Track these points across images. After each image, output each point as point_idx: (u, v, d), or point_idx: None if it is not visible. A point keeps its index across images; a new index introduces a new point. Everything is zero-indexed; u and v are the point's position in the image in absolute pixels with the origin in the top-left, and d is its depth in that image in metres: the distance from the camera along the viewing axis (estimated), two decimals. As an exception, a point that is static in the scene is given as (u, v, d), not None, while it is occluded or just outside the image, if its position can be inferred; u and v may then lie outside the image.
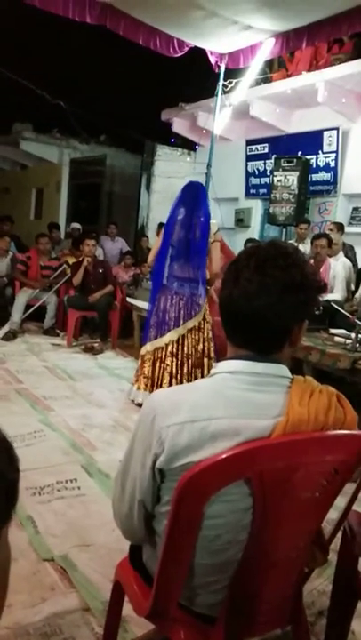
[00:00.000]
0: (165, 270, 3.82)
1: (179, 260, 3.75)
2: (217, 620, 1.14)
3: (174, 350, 3.70)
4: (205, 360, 3.77)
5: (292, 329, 1.07)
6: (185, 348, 3.71)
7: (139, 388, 3.86)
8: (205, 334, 3.80)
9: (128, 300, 6.33)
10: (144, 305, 5.86)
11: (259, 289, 1.02)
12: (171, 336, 3.71)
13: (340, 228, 5.74)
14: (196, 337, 3.75)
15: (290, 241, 6.17)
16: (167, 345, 3.72)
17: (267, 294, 1.02)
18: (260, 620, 1.27)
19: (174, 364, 3.69)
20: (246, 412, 1.03)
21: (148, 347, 3.82)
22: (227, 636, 1.14)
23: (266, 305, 1.02)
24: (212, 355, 3.80)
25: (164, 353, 3.73)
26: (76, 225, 8.91)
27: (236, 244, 6.83)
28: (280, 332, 1.07)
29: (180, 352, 3.70)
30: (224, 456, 0.97)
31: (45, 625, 1.69)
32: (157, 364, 3.76)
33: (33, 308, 6.15)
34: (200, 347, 3.76)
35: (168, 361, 3.70)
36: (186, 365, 3.69)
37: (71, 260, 6.46)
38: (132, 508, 1.14)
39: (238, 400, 1.04)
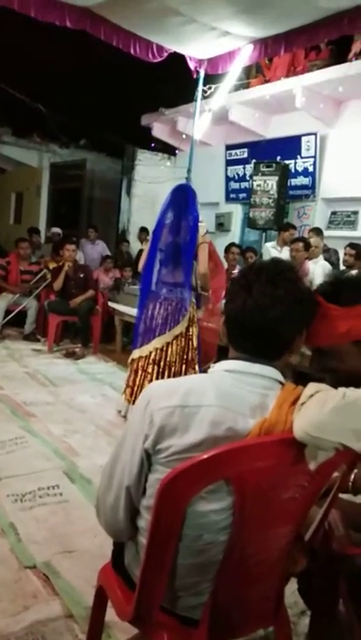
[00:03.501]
0: (154, 276, 3.67)
1: (167, 266, 3.63)
2: (200, 622, 1.14)
3: (157, 358, 3.58)
4: (189, 370, 3.61)
5: (295, 338, 1.15)
6: (168, 356, 3.58)
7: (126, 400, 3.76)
8: (193, 340, 3.66)
9: (110, 304, 6.32)
10: (126, 309, 5.85)
11: (273, 301, 1.09)
12: (155, 344, 3.59)
13: (318, 232, 5.81)
14: (182, 344, 3.61)
15: (269, 243, 6.22)
16: (151, 352, 3.59)
17: (280, 305, 1.09)
18: (243, 621, 1.28)
19: (155, 371, 3.57)
20: (236, 405, 1.07)
21: (135, 354, 3.70)
22: (210, 638, 1.15)
23: (280, 316, 1.09)
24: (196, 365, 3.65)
25: (146, 361, 3.61)
26: (57, 229, 8.87)
27: (217, 249, 6.83)
28: (286, 342, 1.14)
29: (162, 360, 3.58)
30: (205, 456, 0.99)
31: (28, 633, 1.67)
32: (139, 373, 3.64)
33: (13, 314, 6.10)
34: (184, 354, 3.63)
35: (150, 369, 3.58)
36: (167, 373, 3.57)
37: (52, 265, 6.43)
38: (118, 497, 1.16)
39: (231, 394, 1.08)
